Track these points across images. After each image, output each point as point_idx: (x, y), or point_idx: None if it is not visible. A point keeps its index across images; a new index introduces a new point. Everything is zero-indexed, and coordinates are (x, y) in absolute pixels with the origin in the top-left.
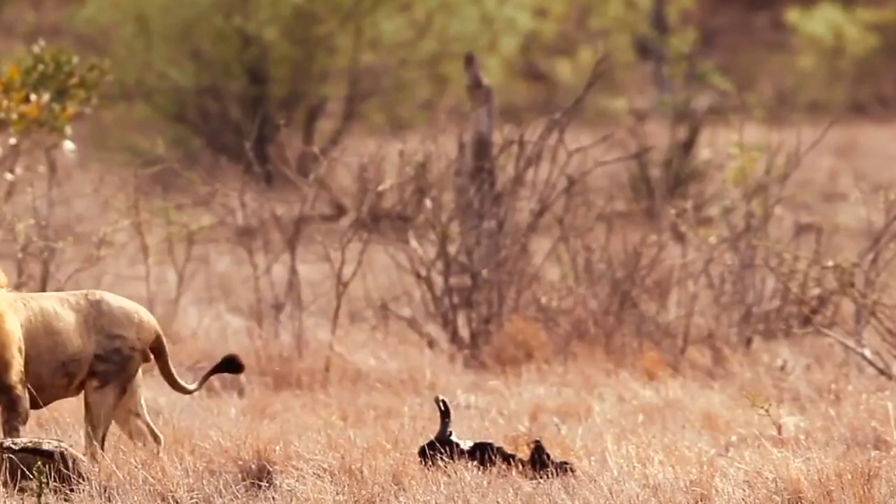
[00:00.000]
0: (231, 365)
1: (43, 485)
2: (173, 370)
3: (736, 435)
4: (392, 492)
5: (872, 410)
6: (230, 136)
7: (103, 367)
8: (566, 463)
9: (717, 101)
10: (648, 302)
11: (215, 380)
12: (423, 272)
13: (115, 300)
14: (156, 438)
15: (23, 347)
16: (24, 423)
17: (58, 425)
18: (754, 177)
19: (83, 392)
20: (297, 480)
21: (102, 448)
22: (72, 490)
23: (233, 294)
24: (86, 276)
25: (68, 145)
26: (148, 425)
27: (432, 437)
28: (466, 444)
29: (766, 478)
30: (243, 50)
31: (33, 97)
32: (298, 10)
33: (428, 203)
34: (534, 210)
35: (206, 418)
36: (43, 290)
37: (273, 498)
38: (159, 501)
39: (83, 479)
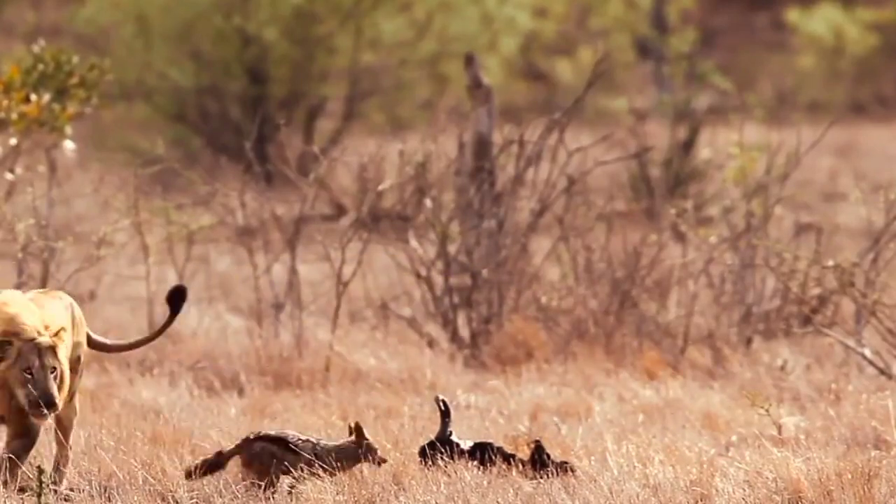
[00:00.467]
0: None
1: (43, 485)
2: None
3: (736, 435)
4: (392, 492)
5: (872, 410)
6: (230, 136)
7: None
8: (566, 463)
9: (717, 101)
10: (648, 302)
11: (215, 380)
12: (423, 272)
13: None
14: None
15: None
16: None
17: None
18: (754, 177)
19: None
20: (297, 480)
21: None
22: (72, 490)
23: (233, 294)
24: (86, 275)
25: (68, 145)
26: None
27: (432, 437)
28: (466, 444)
29: (766, 478)
30: (243, 50)
31: (33, 97)
32: (298, 10)
33: (428, 203)
34: (534, 210)
35: (206, 418)
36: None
37: (273, 498)
38: (159, 501)
39: None
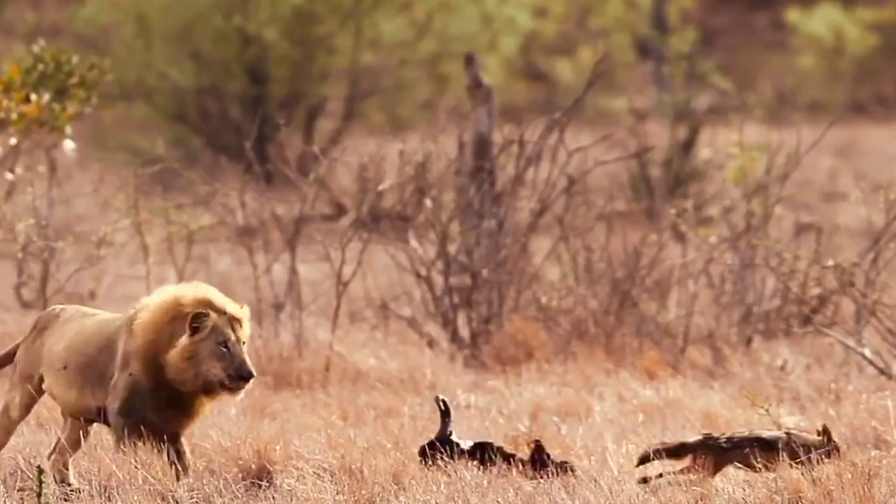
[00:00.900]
0: None
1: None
2: None
3: None
4: (392, 492)
5: (872, 410)
6: (230, 136)
7: None
8: (566, 463)
9: (717, 101)
10: (648, 302)
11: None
12: (423, 272)
13: None
14: None
15: None
16: None
17: (57, 425)
18: (754, 177)
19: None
20: (297, 480)
21: None
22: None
23: (233, 294)
24: (86, 275)
25: (68, 145)
26: None
27: (432, 436)
28: (466, 444)
29: (766, 478)
30: (243, 50)
31: (33, 97)
32: (298, 10)
33: (428, 203)
34: (534, 210)
35: (206, 418)
36: (43, 289)
37: (273, 498)
38: (159, 501)
39: None
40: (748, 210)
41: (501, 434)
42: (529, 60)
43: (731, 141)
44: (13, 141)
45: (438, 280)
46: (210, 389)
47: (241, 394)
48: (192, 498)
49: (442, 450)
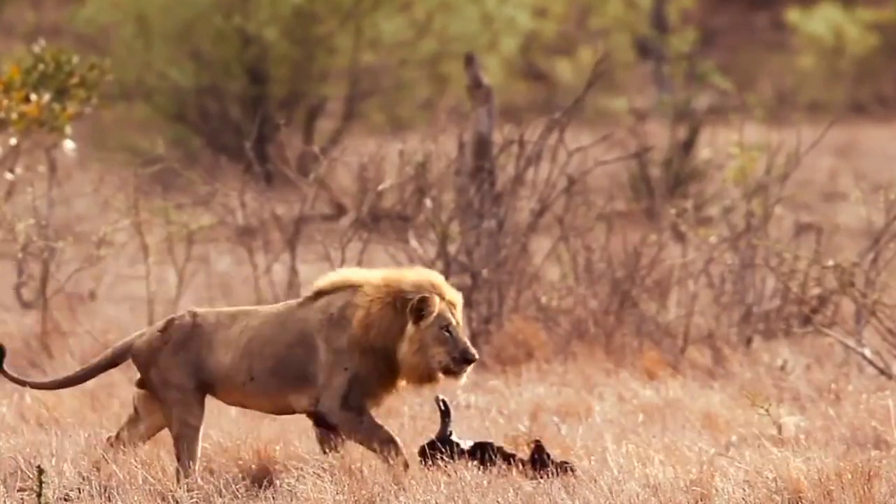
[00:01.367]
0: None
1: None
2: None
3: (736, 435)
4: (392, 492)
5: (872, 410)
6: (230, 136)
7: None
8: (566, 463)
9: (717, 101)
10: (648, 302)
11: None
12: None
13: None
14: None
15: None
16: None
17: (58, 425)
18: (754, 177)
19: None
20: (297, 480)
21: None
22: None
23: (233, 294)
24: (86, 275)
25: (68, 145)
26: None
27: (432, 436)
28: (466, 444)
29: (766, 478)
30: (243, 50)
31: (33, 97)
32: (298, 10)
33: (428, 203)
34: (534, 210)
35: (206, 418)
36: (43, 289)
37: (273, 498)
38: (159, 501)
39: None
40: (748, 210)
41: (501, 434)
42: (529, 60)
43: (731, 141)
44: (13, 141)
45: None
46: (432, 376)
47: (464, 378)
48: (192, 498)
49: (442, 450)
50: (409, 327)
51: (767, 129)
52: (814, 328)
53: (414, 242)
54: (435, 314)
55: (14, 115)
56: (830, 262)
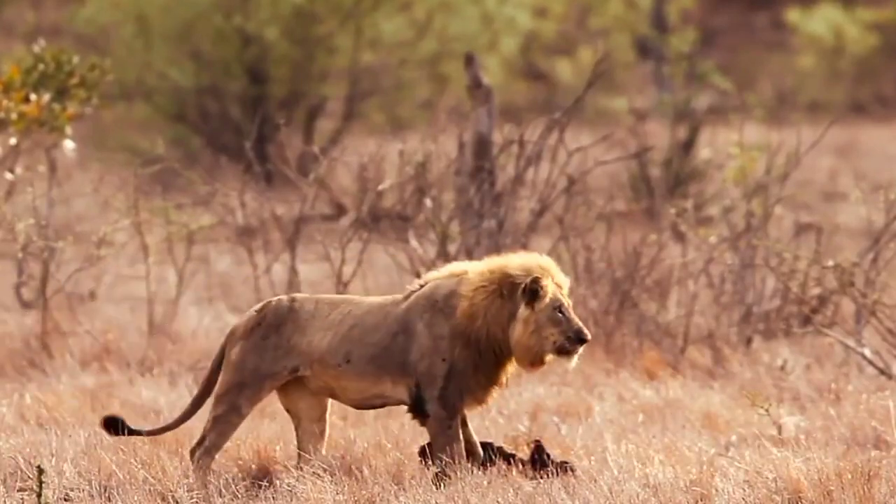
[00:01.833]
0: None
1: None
2: None
3: (736, 435)
4: (392, 492)
5: (872, 410)
6: (230, 136)
7: None
8: (566, 463)
9: (717, 101)
10: (648, 302)
11: None
12: (424, 272)
13: None
14: None
15: None
16: None
17: (58, 425)
18: (754, 177)
19: None
20: (297, 480)
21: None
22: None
23: (233, 294)
24: (86, 275)
25: (68, 145)
26: None
27: None
28: None
29: (766, 478)
30: (243, 50)
31: (33, 97)
32: (298, 10)
33: (428, 203)
34: (534, 210)
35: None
36: (43, 289)
37: (273, 498)
38: (159, 501)
39: None
40: (748, 210)
41: (501, 434)
42: (529, 60)
43: (731, 141)
44: (13, 141)
45: None
46: (543, 357)
47: (576, 358)
48: (192, 498)
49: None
50: (522, 310)
51: (767, 129)
52: (814, 328)
53: (414, 242)
54: (549, 295)
55: (14, 115)
56: (830, 262)
